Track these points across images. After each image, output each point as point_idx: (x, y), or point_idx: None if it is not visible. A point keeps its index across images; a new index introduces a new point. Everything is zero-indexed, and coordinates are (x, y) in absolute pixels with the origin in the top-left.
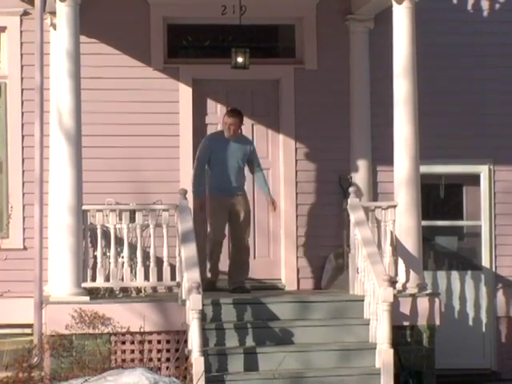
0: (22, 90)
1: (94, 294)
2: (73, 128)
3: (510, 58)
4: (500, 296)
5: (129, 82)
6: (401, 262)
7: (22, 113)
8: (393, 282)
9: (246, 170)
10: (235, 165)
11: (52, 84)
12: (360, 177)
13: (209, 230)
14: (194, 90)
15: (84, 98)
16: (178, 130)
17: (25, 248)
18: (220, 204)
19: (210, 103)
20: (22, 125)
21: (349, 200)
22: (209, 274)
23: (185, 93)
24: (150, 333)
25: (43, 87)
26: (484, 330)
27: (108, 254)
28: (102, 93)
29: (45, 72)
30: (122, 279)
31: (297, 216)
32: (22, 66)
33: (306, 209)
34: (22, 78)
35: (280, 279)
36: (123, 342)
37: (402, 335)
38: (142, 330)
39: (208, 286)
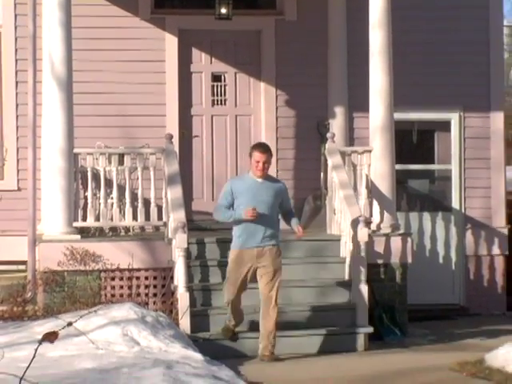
0: (16, 38)
1: (84, 233)
2: (64, 75)
3: (484, 8)
4: (469, 236)
5: (117, 31)
6: (375, 203)
7: (16, 60)
8: (368, 222)
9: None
10: (265, 210)
11: (44, 33)
12: (337, 123)
13: (225, 285)
14: (179, 39)
15: (75, 47)
16: (164, 78)
17: (19, 189)
18: (241, 260)
19: (195, 52)
20: (16, 72)
21: (326, 145)
22: (229, 322)
23: (171, 42)
24: (138, 269)
25: (36, 36)
26: (453, 267)
27: (98, 195)
28: (92, 42)
29: (38, 21)
30: (112, 219)
31: (277, 160)
32: (15, 16)
33: (285, 153)
34: (15, 27)
35: None
36: (112, 278)
37: (376, 272)
38: (130, 267)
39: (226, 333)
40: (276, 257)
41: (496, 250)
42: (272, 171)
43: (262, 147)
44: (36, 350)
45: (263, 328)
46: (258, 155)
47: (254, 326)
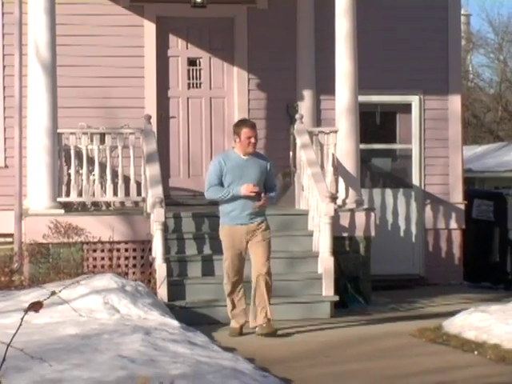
0: (3, 24)
1: (68, 207)
2: (49, 59)
3: None
4: (428, 211)
5: (99, 18)
6: (341, 180)
7: (3, 45)
8: (334, 198)
9: None
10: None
11: (30, 19)
12: (305, 105)
13: (223, 264)
14: (157, 26)
15: (58, 33)
16: (142, 62)
17: (6, 166)
18: (233, 235)
19: (172, 38)
20: (3, 56)
21: (295, 125)
22: (233, 324)
23: (149, 29)
24: (119, 242)
25: (22, 22)
26: (414, 240)
27: (81, 172)
28: (75, 28)
29: (24, 8)
30: (93, 194)
31: None
32: (2, 3)
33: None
34: (2, 14)
35: None
36: (94, 250)
37: (342, 245)
38: (111, 240)
39: (233, 333)
40: (265, 231)
41: (453, 224)
42: None
43: (251, 123)
44: (22, 318)
45: (259, 299)
46: (249, 131)
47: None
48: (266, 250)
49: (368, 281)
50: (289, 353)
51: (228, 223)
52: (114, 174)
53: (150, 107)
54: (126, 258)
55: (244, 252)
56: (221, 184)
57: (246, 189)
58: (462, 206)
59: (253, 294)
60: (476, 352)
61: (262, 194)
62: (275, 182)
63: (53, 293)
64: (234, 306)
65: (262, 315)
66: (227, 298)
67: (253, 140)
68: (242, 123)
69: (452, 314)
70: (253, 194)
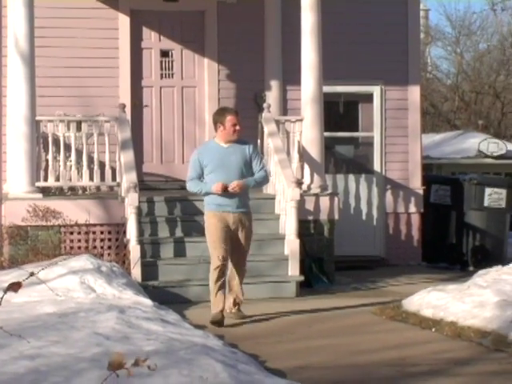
0: None
1: (46, 192)
2: (27, 50)
3: None
4: (389, 195)
5: (75, 11)
6: (306, 166)
7: None
8: (299, 183)
9: None
10: (235, 174)
11: (9, 12)
12: (272, 95)
13: (209, 251)
14: (131, 19)
15: (37, 25)
16: (117, 53)
17: None
18: (220, 220)
19: (145, 31)
20: None
21: (263, 114)
22: (215, 309)
23: (123, 21)
24: (94, 225)
25: (1, 15)
26: (375, 223)
27: (58, 158)
28: (53, 20)
29: (3, 2)
30: (70, 179)
31: None
32: None
33: None
34: None
35: None
36: (71, 233)
37: (307, 228)
38: (87, 223)
39: (216, 323)
40: (248, 222)
41: (412, 208)
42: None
43: (234, 110)
44: (2, 297)
45: (233, 289)
46: (233, 118)
47: (199, 275)
48: (247, 245)
49: (332, 261)
50: (256, 330)
51: (214, 210)
52: (90, 160)
53: (125, 96)
54: (102, 240)
55: (228, 239)
56: (200, 176)
57: (215, 188)
58: (421, 191)
59: (227, 282)
60: (433, 329)
61: (231, 184)
62: (261, 164)
63: (31, 273)
64: (216, 294)
65: (231, 302)
66: (213, 285)
67: (237, 127)
68: (225, 111)
69: (411, 292)
70: (223, 190)
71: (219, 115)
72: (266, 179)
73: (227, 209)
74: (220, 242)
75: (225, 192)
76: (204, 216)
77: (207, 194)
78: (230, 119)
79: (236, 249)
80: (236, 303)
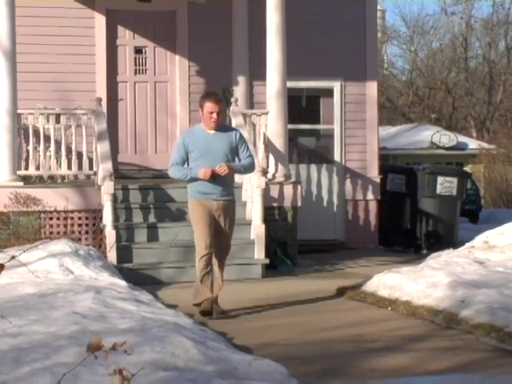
0: None
1: (27, 180)
2: (9, 47)
3: None
4: (348, 184)
5: (54, 10)
6: (271, 157)
7: None
8: (265, 172)
9: None
10: (220, 161)
11: None
12: (240, 89)
13: (195, 241)
14: (107, 18)
15: (18, 23)
16: (94, 50)
17: None
18: (204, 208)
19: (120, 29)
20: None
21: (231, 108)
22: (200, 298)
23: (99, 20)
24: (72, 211)
25: None
26: (335, 210)
27: (38, 148)
28: (33, 19)
29: None
30: (50, 168)
31: (190, 120)
32: None
33: (196, 114)
34: None
35: None
36: (51, 218)
37: (272, 214)
38: (65, 209)
39: (205, 313)
40: (232, 210)
41: (370, 196)
42: (185, 129)
43: (215, 97)
44: None
45: (216, 280)
46: (210, 106)
47: (170, 258)
48: (230, 235)
49: (295, 245)
50: (225, 309)
51: (197, 197)
52: (69, 151)
53: (101, 91)
54: (80, 226)
55: (213, 226)
56: (185, 161)
57: (202, 173)
58: (378, 180)
59: (213, 270)
60: (389, 308)
61: (218, 165)
62: (248, 152)
63: (13, 257)
64: (205, 285)
65: (214, 293)
66: (199, 274)
67: (215, 115)
68: (206, 96)
69: (369, 274)
70: (209, 177)
71: (201, 99)
72: (252, 166)
73: (212, 196)
74: (205, 231)
75: (211, 178)
76: (188, 204)
77: (192, 179)
78: (207, 106)
79: (218, 237)
80: (215, 296)
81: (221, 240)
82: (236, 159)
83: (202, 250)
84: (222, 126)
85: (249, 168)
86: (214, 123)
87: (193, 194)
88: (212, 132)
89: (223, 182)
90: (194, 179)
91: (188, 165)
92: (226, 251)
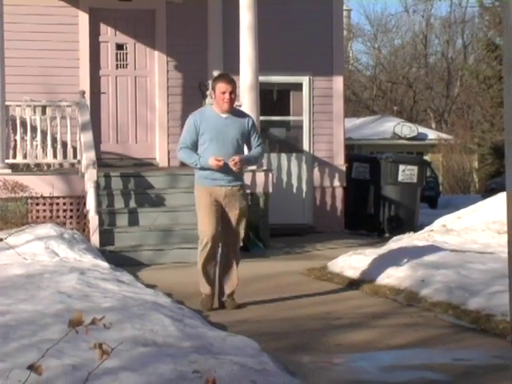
0: None
1: (14, 168)
2: None
3: None
4: (316, 172)
5: (40, 8)
6: (244, 145)
7: None
8: None
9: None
10: (231, 147)
11: None
12: None
13: (199, 228)
14: (90, 16)
15: (6, 21)
16: (78, 46)
17: None
18: (211, 195)
19: (103, 27)
20: None
21: (206, 100)
22: (204, 289)
23: (83, 18)
24: (58, 197)
25: None
26: (304, 196)
27: (25, 138)
28: (21, 17)
29: None
30: (36, 157)
31: (168, 112)
32: None
33: (174, 106)
34: None
35: (155, 158)
36: (37, 204)
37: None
38: (51, 195)
39: (205, 306)
40: (242, 199)
41: (336, 183)
42: (163, 120)
43: (227, 77)
44: None
45: (227, 273)
46: (223, 86)
47: (150, 241)
48: (240, 223)
49: (266, 229)
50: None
51: (204, 184)
52: (54, 140)
53: (84, 84)
54: (64, 211)
55: (219, 216)
56: (195, 143)
57: (212, 163)
58: (344, 168)
59: (220, 263)
60: (354, 287)
61: (230, 159)
62: (259, 140)
63: (0, 239)
64: (207, 275)
65: (229, 289)
66: (200, 266)
67: (227, 96)
68: (218, 77)
69: (335, 256)
70: (220, 167)
71: (213, 81)
72: (262, 155)
73: (220, 183)
74: (210, 220)
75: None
76: (195, 190)
77: (203, 168)
78: (219, 86)
79: (228, 226)
80: (231, 291)
81: (230, 229)
82: (245, 147)
83: (204, 240)
84: (235, 110)
85: (260, 157)
86: (227, 104)
87: (199, 180)
88: (225, 116)
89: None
90: (206, 168)
91: (197, 148)
92: (237, 240)
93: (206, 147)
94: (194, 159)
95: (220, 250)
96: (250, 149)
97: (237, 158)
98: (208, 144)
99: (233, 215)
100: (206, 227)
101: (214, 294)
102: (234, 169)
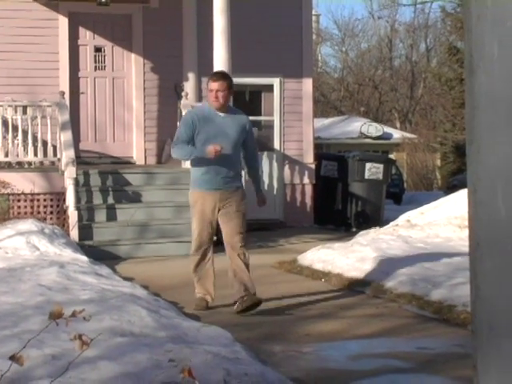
0: None
1: None
2: None
3: (298, 1)
4: (286, 169)
5: (21, 12)
6: None
7: None
8: None
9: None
10: (229, 146)
11: None
12: (189, 85)
13: (192, 235)
14: (69, 20)
15: None
16: (57, 49)
17: None
18: (207, 201)
19: (82, 30)
20: None
21: (181, 101)
22: (198, 290)
23: (63, 22)
24: (39, 194)
25: None
26: (275, 193)
27: (7, 137)
28: (2, 21)
29: None
30: (18, 155)
31: (144, 112)
32: None
33: (151, 107)
34: None
35: (132, 156)
36: (19, 200)
37: None
38: (32, 192)
39: (199, 305)
40: (240, 200)
41: (306, 180)
42: (140, 120)
43: (216, 75)
44: None
45: (238, 274)
46: (211, 84)
47: (127, 236)
48: (241, 223)
49: None
50: (176, 281)
51: (199, 187)
52: (35, 139)
53: (64, 85)
54: (45, 207)
55: (215, 222)
56: (190, 140)
57: (209, 150)
58: (313, 166)
59: (230, 267)
60: (323, 280)
61: (259, 198)
62: (254, 144)
63: None
64: (199, 279)
65: (241, 289)
66: (193, 273)
67: (214, 94)
68: (211, 76)
69: (305, 250)
70: (215, 157)
71: (208, 79)
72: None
73: (216, 185)
74: (203, 228)
75: (217, 154)
76: (189, 193)
77: (196, 160)
78: (209, 85)
79: (228, 233)
80: (246, 289)
81: (232, 231)
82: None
83: (194, 246)
84: (231, 108)
85: (259, 175)
86: (216, 102)
87: (195, 184)
88: (223, 115)
89: (231, 165)
90: (199, 160)
91: (193, 145)
92: (241, 241)
93: (202, 144)
94: (189, 150)
95: (226, 252)
96: (245, 148)
97: (263, 200)
98: (205, 144)
99: (231, 218)
100: (196, 234)
101: (209, 295)
102: (260, 205)
